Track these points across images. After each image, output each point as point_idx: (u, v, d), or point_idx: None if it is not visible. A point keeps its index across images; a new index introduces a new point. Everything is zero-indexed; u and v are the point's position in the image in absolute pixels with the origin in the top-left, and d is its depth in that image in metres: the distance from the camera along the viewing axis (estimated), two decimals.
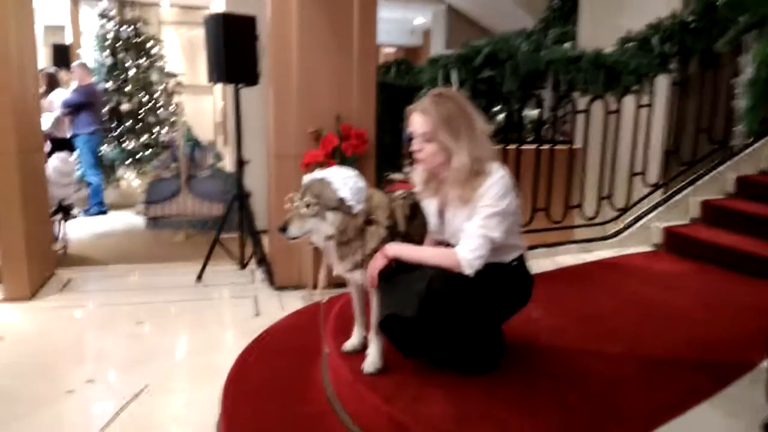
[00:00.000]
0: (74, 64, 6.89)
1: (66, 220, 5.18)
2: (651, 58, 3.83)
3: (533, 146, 3.89)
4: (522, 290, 2.11)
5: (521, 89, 3.45)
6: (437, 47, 9.76)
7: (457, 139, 1.92)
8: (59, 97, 6.52)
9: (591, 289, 3.15)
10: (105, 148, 7.16)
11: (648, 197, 4.17)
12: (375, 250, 2.03)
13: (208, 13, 4.12)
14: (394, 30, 11.08)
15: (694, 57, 4.08)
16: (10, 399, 2.57)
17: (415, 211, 2.19)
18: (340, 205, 1.98)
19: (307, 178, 2.05)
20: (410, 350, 2.08)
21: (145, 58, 7.44)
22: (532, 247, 3.28)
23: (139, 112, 7.36)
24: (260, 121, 4.72)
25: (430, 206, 2.13)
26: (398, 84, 5.51)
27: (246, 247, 4.47)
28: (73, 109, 6.40)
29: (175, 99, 7.82)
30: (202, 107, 9.01)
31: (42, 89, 6.42)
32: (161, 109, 7.57)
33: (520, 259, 2.09)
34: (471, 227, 1.92)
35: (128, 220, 6.40)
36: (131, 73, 7.32)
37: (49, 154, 5.17)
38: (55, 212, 4.97)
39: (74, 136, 6.49)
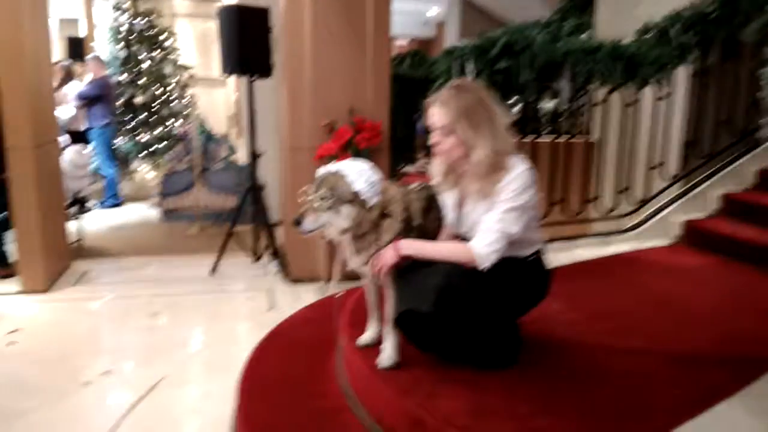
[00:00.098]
0: (88, 56, 6.92)
1: (82, 213, 5.22)
2: (670, 49, 3.75)
3: (549, 138, 3.83)
4: (540, 285, 2.07)
5: (537, 80, 3.40)
6: (451, 39, 9.69)
7: (477, 133, 1.88)
8: (74, 89, 6.55)
9: (610, 283, 3.10)
10: (119, 141, 7.19)
11: (667, 190, 4.10)
12: (390, 244, 2.00)
13: (222, 5, 4.10)
14: (407, 21, 11.00)
15: (714, 47, 4.00)
16: (27, 391, 2.59)
17: (431, 204, 2.16)
18: (355, 199, 1.95)
19: (321, 171, 2.03)
20: (426, 345, 2.06)
21: (158, 51, 7.45)
22: (549, 241, 3.24)
23: (153, 104, 7.38)
24: (273, 114, 4.71)
25: (448, 199, 2.09)
26: (412, 76, 5.46)
27: (260, 240, 4.46)
28: (87, 101, 6.43)
29: (189, 91, 7.83)
30: (215, 100, 9.02)
31: (58, 82, 6.47)
32: (175, 102, 7.58)
33: (538, 254, 2.06)
34: (488, 221, 1.88)
35: (143, 212, 6.43)
36: (145, 65, 7.33)
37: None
38: (71, 205, 5.00)
39: (88, 128, 6.52)
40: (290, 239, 4.02)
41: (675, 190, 4.11)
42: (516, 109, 3.68)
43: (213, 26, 4.67)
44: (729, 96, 4.07)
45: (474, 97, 1.91)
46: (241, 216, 4.40)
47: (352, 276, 2.28)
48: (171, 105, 7.55)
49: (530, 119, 3.69)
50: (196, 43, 9.11)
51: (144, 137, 7.33)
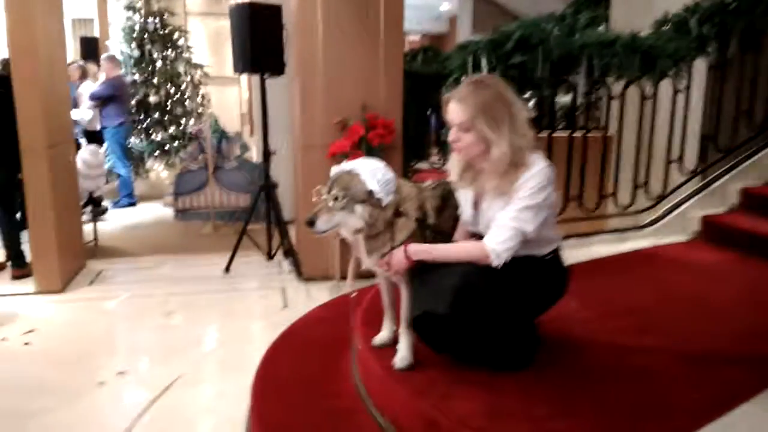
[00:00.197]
0: (102, 56, 6.95)
1: (98, 215, 5.25)
2: (689, 41, 3.68)
3: (566, 133, 3.78)
4: (557, 283, 2.04)
5: (553, 75, 3.34)
6: (463, 33, 9.63)
7: (497, 129, 1.83)
8: (87, 89, 6.59)
9: (627, 280, 3.05)
10: (133, 140, 7.22)
11: (685, 185, 4.03)
12: (404, 243, 1.98)
13: (234, 3, 4.09)
14: (419, 17, 10.96)
15: (733, 39, 3.92)
16: (42, 391, 2.60)
17: (445, 202, 2.12)
18: (369, 198, 1.92)
19: (334, 170, 2.00)
20: (442, 347, 2.03)
21: (171, 50, 7.46)
22: (565, 237, 3.19)
23: (167, 103, 7.40)
24: (286, 112, 4.69)
25: (465, 197, 2.05)
26: (424, 72, 5.42)
27: (273, 238, 4.46)
28: (101, 101, 6.46)
29: (202, 90, 7.85)
30: (228, 98, 9.04)
31: (76, 82, 6.52)
32: (188, 101, 7.60)
33: (556, 252, 2.02)
34: (503, 218, 1.85)
35: (157, 211, 6.46)
36: (158, 64, 7.36)
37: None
38: (86, 204, 5.03)
39: (102, 128, 6.56)
40: (303, 238, 4.01)
41: (693, 185, 4.04)
42: (531, 104, 3.64)
43: (225, 24, 4.66)
44: (748, 88, 3.99)
45: (493, 92, 1.86)
46: (254, 214, 4.40)
47: (366, 275, 2.26)
48: (184, 104, 7.57)
49: (546, 114, 3.64)
50: (208, 41, 9.13)
51: (157, 136, 7.35)
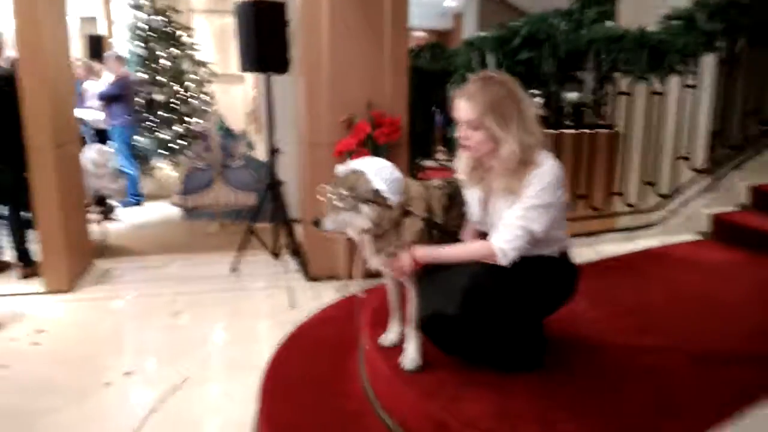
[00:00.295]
0: (108, 54, 6.95)
1: (106, 215, 5.25)
2: (697, 35, 3.64)
3: (573, 130, 3.75)
4: (567, 283, 2.02)
5: (560, 71, 3.32)
6: (468, 30, 9.59)
7: (506, 127, 1.80)
8: (92, 87, 6.59)
9: (636, 280, 3.03)
10: (140, 139, 7.22)
11: (694, 183, 3.99)
12: (411, 243, 1.96)
13: (238, 0, 4.07)
14: (424, 13, 10.89)
15: (741, 34, 3.88)
16: (49, 391, 2.60)
17: (452, 201, 2.11)
18: (375, 197, 1.91)
19: (341, 169, 1.99)
20: (451, 348, 2.01)
21: (176, 48, 7.45)
22: (572, 236, 3.17)
23: (172, 102, 7.39)
24: (292, 109, 4.68)
25: (473, 195, 2.03)
26: (430, 68, 5.40)
27: (279, 237, 4.45)
28: (108, 100, 6.46)
29: (207, 88, 7.83)
30: (233, 96, 9.02)
31: (81, 80, 6.52)
32: (193, 99, 7.59)
33: (566, 252, 2.00)
34: (510, 217, 1.83)
35: (164, 210, 6.45)
36: (163, 63, 7.34)
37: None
38: (93, 204, 5.03)
39: (109, 127, 6.56)
40: (310, 237, 4.00)
41: (702, 183, 4.01)
42: (538, 100, 3.61)
43: (230, 22, 4.65)
44: (757, 84, 3.95)
45: (502, 89, 1.83)
46: (260, 213, 4.39)
47: (373, 274, 2.24)
48: (190, 102, 7.56)
49: (553, 111, 3.61)
50: (213, 39, 9.11)
51: (164, 135, 7.35)
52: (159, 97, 7.27)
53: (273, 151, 4.30)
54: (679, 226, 3.88)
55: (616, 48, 3.31)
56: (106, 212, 5.69)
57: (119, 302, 3.71)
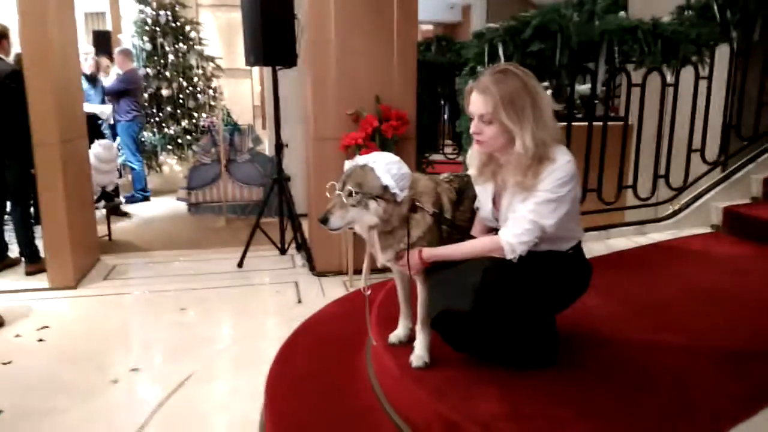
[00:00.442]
0: (115, 50, 6.94)
1: (112, 210, 5.24)
2: (712, 26, 3.56)
3: (584, 123, 3.68)
4: (580, 279, 1.97)
5: (572, 63, 3.25)
6: (477, 23, 9.50)
7: (521, 121, 1.74)
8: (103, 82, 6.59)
9: (649, 274, 2.97)
10: (146, 134, 7.21)
11: (706, 175, 3.92)
12: (420, 239, 1.92)
13: None
14: (432, 6, 10.80)
15: (757, 25, 3.80)
16: (55, 388, 2.59)
17: (462, 196, 2.06)
18: (383, 193, 1.86)
19: (348, 165, 1.94)
20: (462, 345, 1.97)
21: (183, 43, 7.42)
22: (583, 230, 3.12)
23: (179, 96, 7.37)
24: (299, 104, 4.64)
25: (484, 191, 1.98)
26: (438, 62, 5.34)
27: (286, 232, 4.43)
28: (114, 95, 6.45)
29: (214, 83, 7.81)
30: (240, 91, 9.00)
31: (94, 75, 6.51)
32: (200, 94, 7.57)
33: (578, 247, 1.95)
34: (521, 210, 1.78)
35: (171, 205, 6.45)
36: (170, 57, 7.32)
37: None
38: (99, 199, 5.02)
39: (115, 122, 6.56)
40: (316, 232, 3.97)
41: (715, 176, 3.94)
42: (550, 92, 3.55)
43: (237, 16, 4.61)
44: None
45: (517, 82, 1.76)
46: (267, 208, 4.37)
47: (381, 269, 2.20)
48: (196, 97, 7.54)
49: (565, 102, 3.55)
50: (220, 33, 9.07)
51: (170, 130, 7.34)
52: (165, 92, 7.25)
53: (279, 146, 4.27)
54: (691, 220, 3.81)
55: (629, 39, 3.24)
56: (112, 208, 5.68)
57: (125, 299, 3.70)
